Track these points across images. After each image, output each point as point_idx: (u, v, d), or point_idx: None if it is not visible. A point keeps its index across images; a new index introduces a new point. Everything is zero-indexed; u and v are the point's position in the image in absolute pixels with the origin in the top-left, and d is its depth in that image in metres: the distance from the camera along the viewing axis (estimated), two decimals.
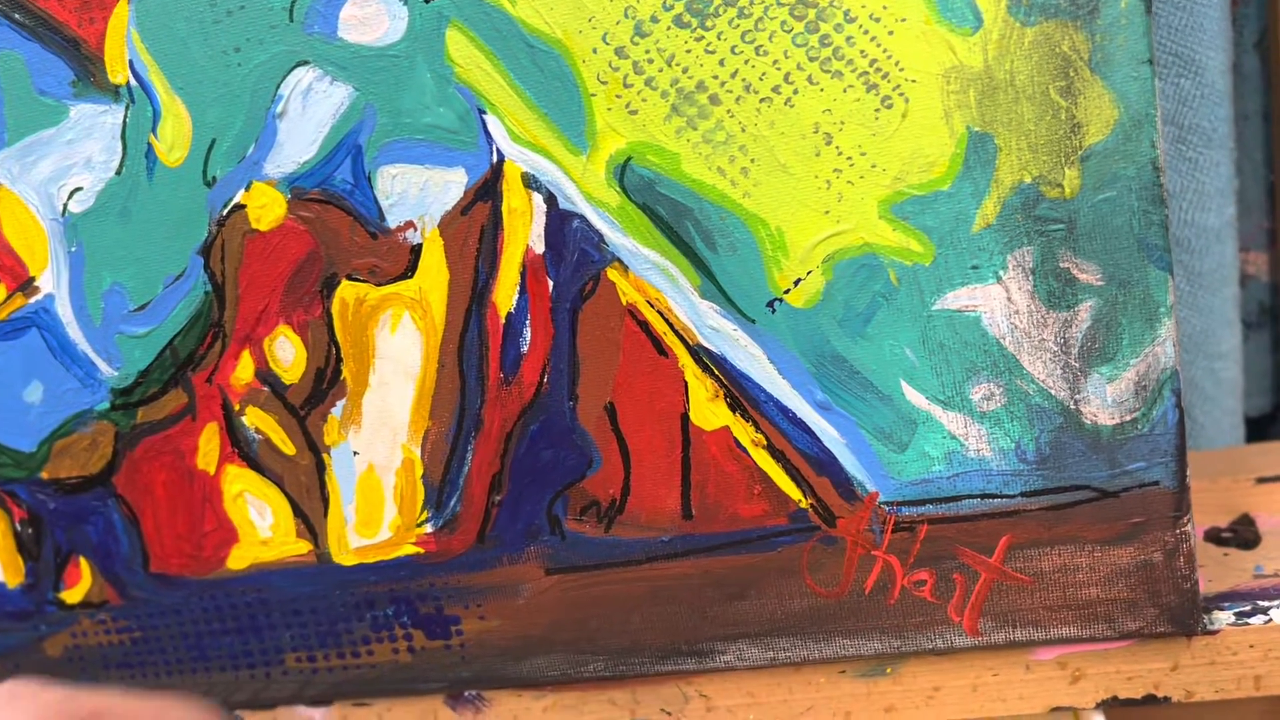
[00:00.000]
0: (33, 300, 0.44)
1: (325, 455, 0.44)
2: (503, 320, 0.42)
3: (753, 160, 0.39)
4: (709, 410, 0.41)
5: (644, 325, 0.41)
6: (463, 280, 0.41)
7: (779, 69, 0.38)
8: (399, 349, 0.42)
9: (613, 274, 0.40)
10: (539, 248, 0.41)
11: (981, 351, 0.39)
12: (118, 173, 0.43)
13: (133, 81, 0.42)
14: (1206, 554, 0.45)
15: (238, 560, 0.46)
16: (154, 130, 0.42)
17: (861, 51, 0.37)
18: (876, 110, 0.37)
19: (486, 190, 0.40)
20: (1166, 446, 0.39)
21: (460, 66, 0.39)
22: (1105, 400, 0.39)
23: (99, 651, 0.48)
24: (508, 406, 0.42)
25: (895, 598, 0.42)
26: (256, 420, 0.44)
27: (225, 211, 0.42)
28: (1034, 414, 0.39)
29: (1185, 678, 0.42)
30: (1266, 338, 0.55)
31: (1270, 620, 0.41)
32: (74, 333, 0.44)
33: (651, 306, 0.41)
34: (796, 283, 0.39)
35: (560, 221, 0.40)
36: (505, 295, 0.41)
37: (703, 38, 0.38)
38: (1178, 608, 0.40)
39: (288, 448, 0.44)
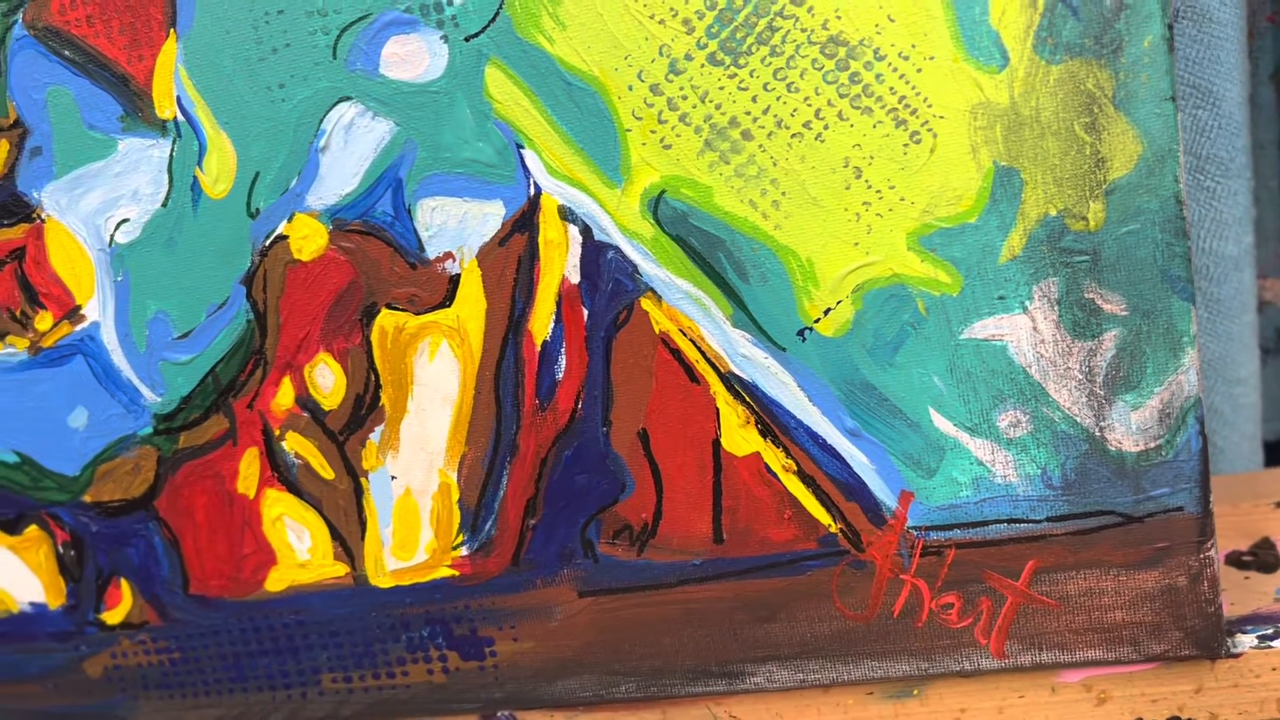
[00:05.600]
0: (79, 328, 0.46)
1: (363, 480, 0.45)
2: (538, 348, 0.43)
3: (784, 193, 0.40)
4: (740, 436, 0.42)
5: (676, 353, 0.42)
6: (500, 309, 0.42)
7: (810, 105, 0.39)
8: (437, 376, 0.43)
9: (646, 303, 0.42)
10: (574, 278, 0.42)
11: (1008, 380, 0.40)
12: (164, 204, 0.44)
13: (180, 116, 0.43)
14: (1228, 578, 0.46)
15: (276, 582, 0.47)
16: (199, 163, 0.43)
17: (891, 88, 0.38)
18: (905, 145, 0.39)
19: (524, 222, 0.42)
20: (1190, 472, 0.39)
21: (499, 103, 0.41)
22: (1130, 427, 0.39)
23: (138, 672, 0.49)
24: (543, 432, 0.43)
25: (923, 621, 0.42)
26: (296, 445, 0.45)
27: (268, 242, 0.43)
28: (1060, 441, 0.40)
29: (1209, 700, 0.43)
30: None
31: None
32: (119, 360, 0.46)
33: (684, 335, 0.42)
34: (826, 312, 0.40)
35: (595, 253, 0.41)
36: (541, 324, 0.42)
37: (735, 75, 0.39)
38: (1202, 631, 0.41)
39: (327, 472, 0.45)
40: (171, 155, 0.43)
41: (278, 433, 0.45)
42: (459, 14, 0.40)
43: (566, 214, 0.41)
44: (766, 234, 0.40)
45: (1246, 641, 0.42)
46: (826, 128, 0.39)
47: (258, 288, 0.44)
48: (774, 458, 0.42)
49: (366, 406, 0.44)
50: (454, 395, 0.44)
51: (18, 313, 0.46)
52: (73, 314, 0.46)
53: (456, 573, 0.45)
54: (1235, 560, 0.47)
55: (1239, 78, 0.50)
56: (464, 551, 0.45)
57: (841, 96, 0.39)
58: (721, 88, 0.39)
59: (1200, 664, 0.42)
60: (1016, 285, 0.39)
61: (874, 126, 0.39)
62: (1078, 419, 0.40)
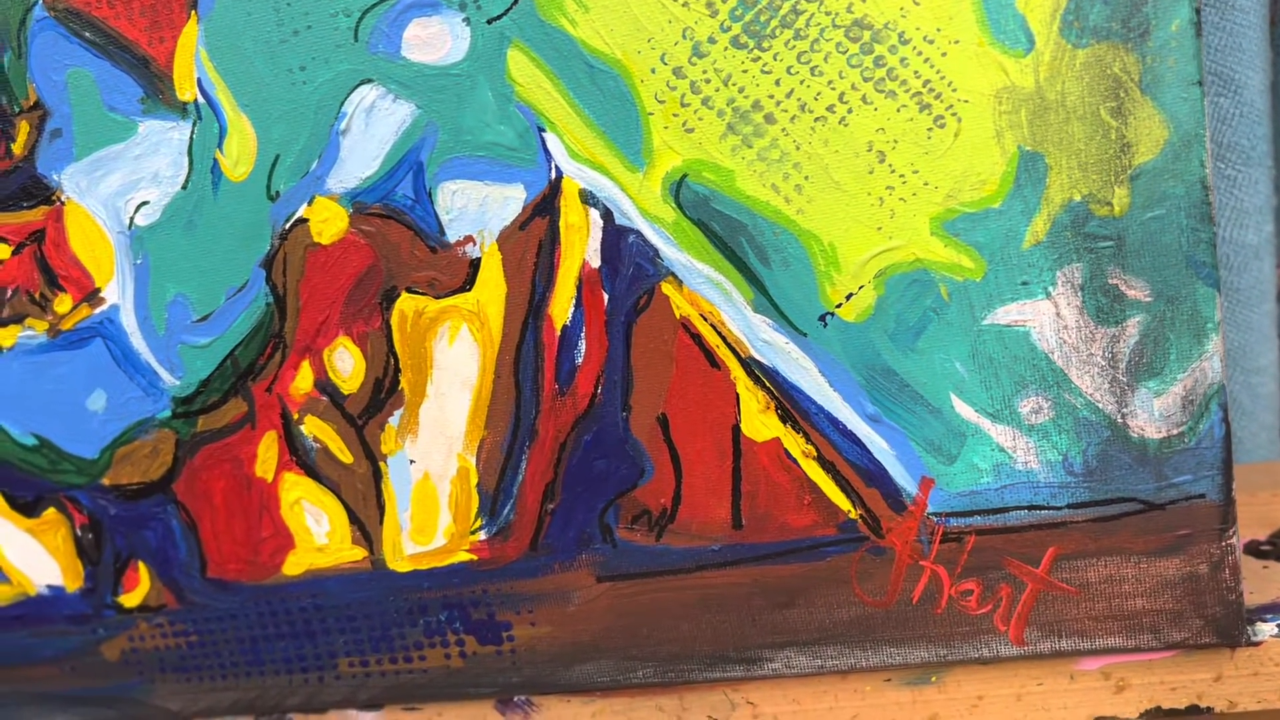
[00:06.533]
0: (98, 311, 0.46)
1: (382, 464, 0.45)
2: (558, 333, 0.43)
3: (807, 177, 0.40)
4: (760, 421, 0.42)
5: (697, 338, 0.42)
6: (520, 293, 0.42)
7: (834, 89, 0.39)
8: (456, 360, 0.43)
9: (667, 288, 0.41)
10: (595, 262, 0.42)
11: (1030, 366, 0.40)
12: (184, 187, 0.44)
13: (200, 99, 0.43)
14: (1246, 567, 0.46)
15: (293, 566, 0.47)
16: (220, 146, 0.43)
17: (915, 72, 0.38)
18: (929, 129, 0.38)
19: (545, 206, 0.42)
20: (1213, 460, 0.39)
21: (521, 85, 0.41)
22: (1152, 414, 0.39)
23: (156, 655, 0.49)
24: (562, 417, 0.43)
25: (942, 607, 0.42)
26: (315, 429, 0.45)
27: (288, 225, 0.43)
28: (1082, 427, 0.40)
29: (1228, 688, 0.43)
30: None
31: None
32: (137, 342, 0.46)
33: (705, 320, 0.41)
34: (848, 297, 0.40)
35: (616, 237, 0.41)
36: (561, 308, 0.42)
37: (759, 58, 0.39)
38: (1223, 619, 0.41)
39: (345, 456, 0.45)
40: (192, 137, 0.43)
41: (296, 416, 0.45)
42: None
43: (587, 198, 0.41)
44: (789, 218, 0.40)
45: (1267, 630, 0.42)
46: (850, 112, 0.39)
47: (277, 271, 0.44)
48: (794, 443, 0.42)
49: (386, 390, 0.44)
50: (473, 379, 0.44)
51: (37, 295, 0.46)
52: (92, 296, 0.46)
53: (475, 557, 0.45)
54: (1254, 550, 0.47)
55: (1261, 65, 0.50)
56: (482, 536, 0.45)
57: (866, 80, 0.38)
58: (745, 71, 0.39)
59: (1220, 652, 0.42)
60: (1040, 271, 0.39)
61: (898, 110, 0.38)
62: (1100, 405, 0.40)
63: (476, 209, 0.42)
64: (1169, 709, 0.43)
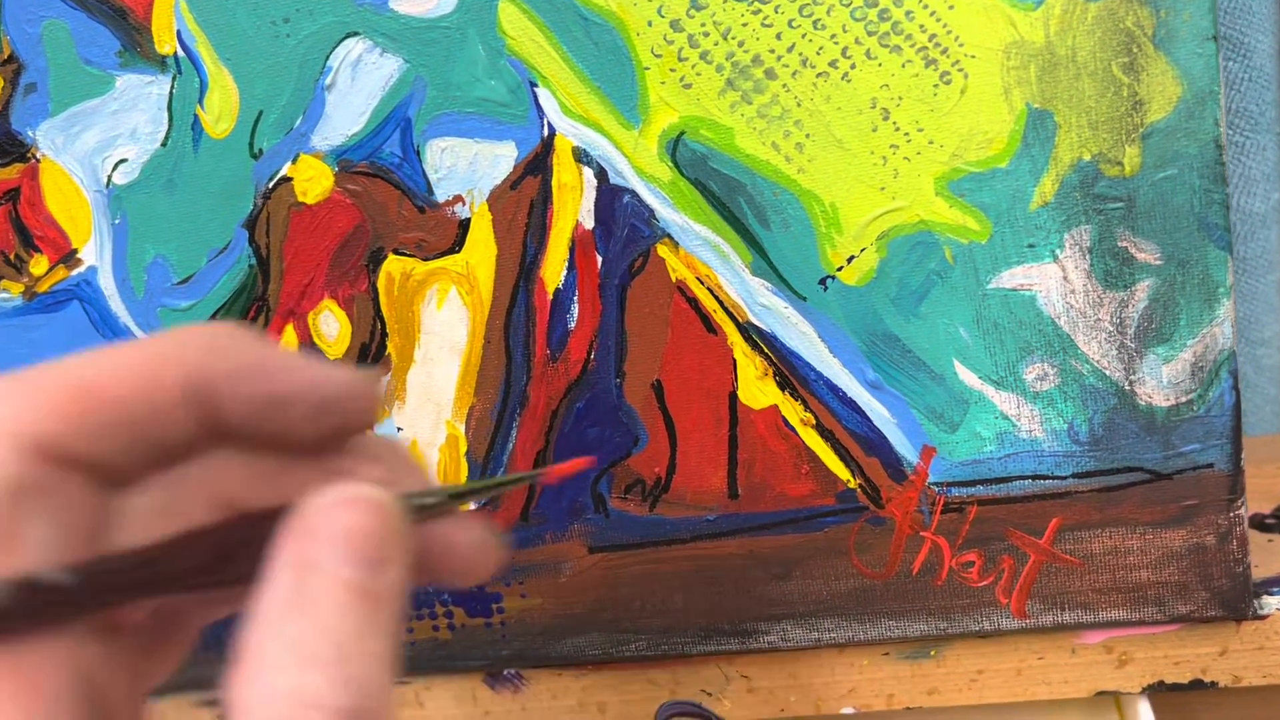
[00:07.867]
0: (75, 272, 0.44)
1: (369, 431, 0.44)
2: (550, 296, 0.41)
3: (808, 135, 0.38)
4: (758, 388, 0.41)
5: (693, 302, 0.41)
6: (511, 255, 0.41)
7: (837, 43, 0.37)
8: (445, 324, 0.42)
9: (663, 250, 0.40)
10: (589, 223, 0.40)
11: (1036, 331, 0.39)
12: (163, 144, 0.42)
13: (180, 52, 0.41)
14: (1252, 540, 0.45)
15: None
16: (200, 101, 0.42)
17: (921, 26, 0.37)
18: (935, 86, 0.37)
19: (537, 164, 0.40)
20: (1222, 429, 0.38)
21: (512, 39, 0.39)
22: (1160, 381, 0.38)
23: None
24: (554, 383, 0.42)
25: (943, 579, 0.41)
26: None
27: (271, 184, 0.42)
28: (1088, 395, 0.39)
29: (1233, 663, 0.42)
30: None
31: None
32: (116, 305, 0.44)
33: (701, 283, 0.40)
34: (850, 260, 0.39)
35: (611, 196, 0.40)
36: (553, 271, 0.41)
37: (760, 11, 0.38)
38: (1229, 591, 0.40)
39: None
40: (171, 92, 0.42)
41: None
42: None
43: (581, 156, 0.40)
44: (789, 178, 0.39)
45: (1273, 603, 0.41)
46: (853, 67, 0.37)
47: (260, 231, 0.43)
48: (792, 411, 0.41)
49: (372, 356, 0.43)
50: (463, 344, 0.42)
51: (12, 256, 0.44)
52: (69, 258, 0.44)
53: None
54: (1258, 523, 0.46)
55: (1271, 29, 0.49)
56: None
57: (869, 34, 0.37)
58: (745, 24, 0.38)
59: (1224, 626, 0.41)
60: (1047, 233, 0.38)
61: (903, 66, 0.37)
62: (1107, 372, 0.39)
63: (466, 167, 0.41)
64: (1172, 683, 0.42)
